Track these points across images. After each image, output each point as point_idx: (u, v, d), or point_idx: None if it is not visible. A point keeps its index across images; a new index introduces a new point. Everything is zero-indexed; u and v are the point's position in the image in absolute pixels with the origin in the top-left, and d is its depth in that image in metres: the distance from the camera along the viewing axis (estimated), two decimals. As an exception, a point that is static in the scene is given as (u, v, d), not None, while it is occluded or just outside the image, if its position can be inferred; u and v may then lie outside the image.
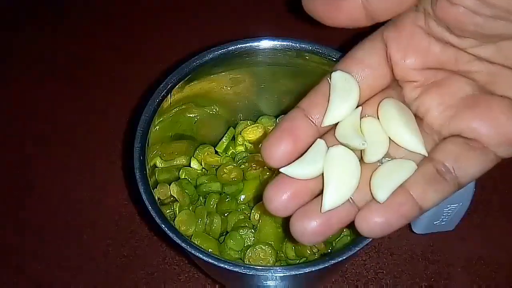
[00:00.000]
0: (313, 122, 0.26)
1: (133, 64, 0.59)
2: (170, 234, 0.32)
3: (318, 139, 0.26)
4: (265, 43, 0.38)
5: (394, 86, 0.27)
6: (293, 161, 0.26)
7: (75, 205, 0.51)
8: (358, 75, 0.26)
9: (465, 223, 0.44)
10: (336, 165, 0.25)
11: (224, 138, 0.45)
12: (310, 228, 0.25)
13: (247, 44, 0.38)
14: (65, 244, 0.49)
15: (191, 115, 0.42)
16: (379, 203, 0.25)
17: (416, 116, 0.27)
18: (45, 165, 0.53)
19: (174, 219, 0.40)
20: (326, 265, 0.31)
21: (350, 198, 0.26)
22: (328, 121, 0.26)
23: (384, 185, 0.25)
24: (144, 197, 0.34)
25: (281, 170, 0.25)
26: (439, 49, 0.26)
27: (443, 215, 0.42)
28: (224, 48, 0.38)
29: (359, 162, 0.26)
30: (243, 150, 0.45)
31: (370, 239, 0.32)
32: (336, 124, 0.27)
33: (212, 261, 0.31)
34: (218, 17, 0.62)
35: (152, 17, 0.63)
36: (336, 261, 0.32)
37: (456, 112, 0.26)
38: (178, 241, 0.32)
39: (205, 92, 0.41)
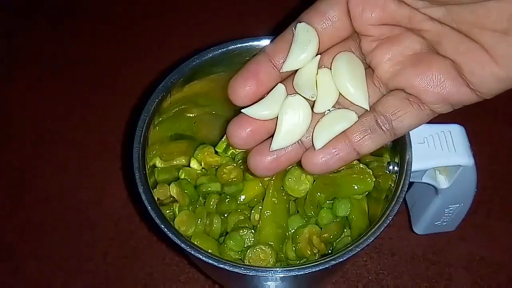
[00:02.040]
0: (275, 66, 0.29)
1: (133, 63, 0.59)
2: (170, 235, 0.32)
3: (279, 84, 0.29)
4: (265, 42, 0.38)
5: (354, 37, 0.30)
6: (256, 101, 0.29)
7: (75, 205, 0.51)
8: (319, 26, 0.29)
9: (466, 224, 0.44)
10: (290, 111, 0.29)
11: (223, 138, 0.45)
12: (262, 163, 0.29)
13: (247, 43, 0.38)
14: (64, 244, 0.49)
15: (191, 115, 0.42)
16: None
17: (369, 67, 0.29)
18: (45, 165, 0.53)
19: (174, 219, 0.40)
20: (327, 266, 0.31)
21: (300, 140, 0.29)
22: (286, 67, 0.29)
23: (322, 134, 0.29)
24: (143, 197, 0.33)
25: (242, 110, 0.29)
26: (394, 7, 0.27)
27: (444, 216, 0.42)
28: (224, 47, 0.38)
29: (311, 111, 0.29)
30: (243, 150, 0.44)
31: (371, 240, 0.32)
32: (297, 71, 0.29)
33: (212, 262, 0.31)
34: (217, 16, 0.62)
35: (152, 16, 0.63)
36: (337, 262, 0.31)
37: (402, 69, 0.28)
38: (178, 242, 0.32)
39: (204, 91, 0.40)
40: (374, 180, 0.39)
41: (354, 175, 0.40)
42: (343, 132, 0.29)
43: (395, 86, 0.29)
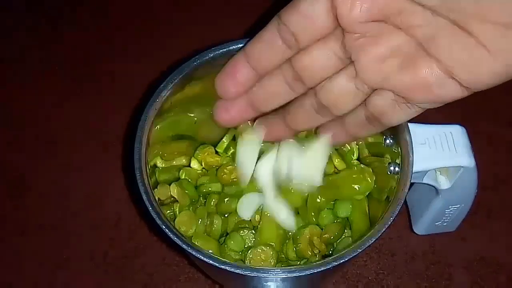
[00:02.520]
0: (252, 67, 0.30)
1: (133, 63, 0.59)
2: (171, 235, 0.32)
3: (258, 195, 0.37)
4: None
5: (336, 33, 0.28)
6: (240, 96, 0.32)
7: (75, 205, 0.51)
8: (298, 25, 0.28)
9: (466, 224, 0.44)
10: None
11: (224, 138, 0.45)
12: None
13: (248, 44, 0.38)
14: (64, 244, 0.49)
15: (192, 115, 0.42)
16: None
17: (352, 63, 0.28)
18: (45, 165, 0.53)
19: (174, 219, 0.40)
20: (328, 267, 0.31)
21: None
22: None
23: (315, 174, 0.34)
24: (144, 197, 0.33)
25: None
26: (384, 0, 0.26)
27: (445, 216, 0.42)
28: (225, 48, 0.38)
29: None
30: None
31: (372, 241, 0.32)
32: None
33: (213, 262, 0.31)
34: (218, 16, 0.62)
35: (153, 16, 0.63)
36: (338, 262, 0.31)
37: (388, 73, 0.27)
38: (179, 242, 0.32)
39: (205, 91, 0.40)
40: (374, 180, 0.39)
41: (355, 175, 0.40)
42: (338, 120, 0.32)
43: (381, 87, 0.28)
